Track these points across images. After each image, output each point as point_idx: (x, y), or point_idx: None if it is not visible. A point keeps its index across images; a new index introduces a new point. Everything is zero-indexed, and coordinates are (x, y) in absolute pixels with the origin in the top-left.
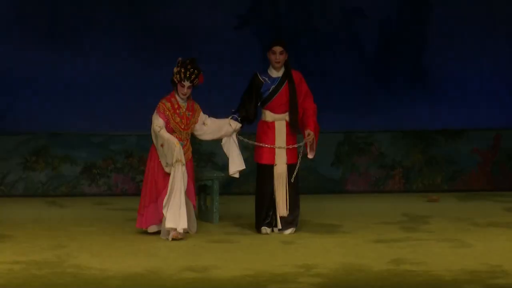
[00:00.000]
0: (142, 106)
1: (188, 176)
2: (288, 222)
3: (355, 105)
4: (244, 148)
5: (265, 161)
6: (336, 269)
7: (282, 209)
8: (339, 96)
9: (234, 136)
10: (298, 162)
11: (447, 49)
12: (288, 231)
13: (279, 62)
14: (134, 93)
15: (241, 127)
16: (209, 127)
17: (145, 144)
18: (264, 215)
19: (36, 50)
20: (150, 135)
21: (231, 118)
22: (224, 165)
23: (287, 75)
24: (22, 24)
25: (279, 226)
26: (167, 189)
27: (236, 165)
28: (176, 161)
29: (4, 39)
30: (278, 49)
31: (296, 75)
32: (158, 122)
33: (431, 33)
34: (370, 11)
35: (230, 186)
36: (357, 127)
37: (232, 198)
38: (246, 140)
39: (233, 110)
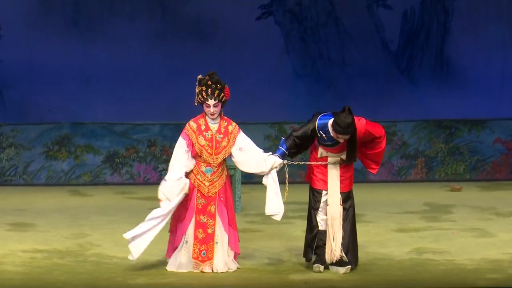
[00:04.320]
0: (164, 95)
1: (226, 205)
2: (343, 261)
3: (377, 94)
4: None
5: (317, 186)
6: (359, 258)
7: (335, 250)
8: (361, 86)
9: (273, 173)
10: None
11: (470, 39)
12: (343, 269)
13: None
14: (157, 82)
15: (280, 165)
16: (245, 157)
17: (168, 133)
18: (314, 246)
19: (59, 39)
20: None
21: (276, 153)
22: None
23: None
24: (44, 14)
25: (328, 261)
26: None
27: (272, 207)
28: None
29: (26, 29)
30: (346, 137)
31: (361, 126)
32: (178, 142)
33: (454, 23)
34: (394, 1)
35: (252, 175)
36: (379, 116)
37: (255, 187)
38: (292, 162)
39: (283, 138)
